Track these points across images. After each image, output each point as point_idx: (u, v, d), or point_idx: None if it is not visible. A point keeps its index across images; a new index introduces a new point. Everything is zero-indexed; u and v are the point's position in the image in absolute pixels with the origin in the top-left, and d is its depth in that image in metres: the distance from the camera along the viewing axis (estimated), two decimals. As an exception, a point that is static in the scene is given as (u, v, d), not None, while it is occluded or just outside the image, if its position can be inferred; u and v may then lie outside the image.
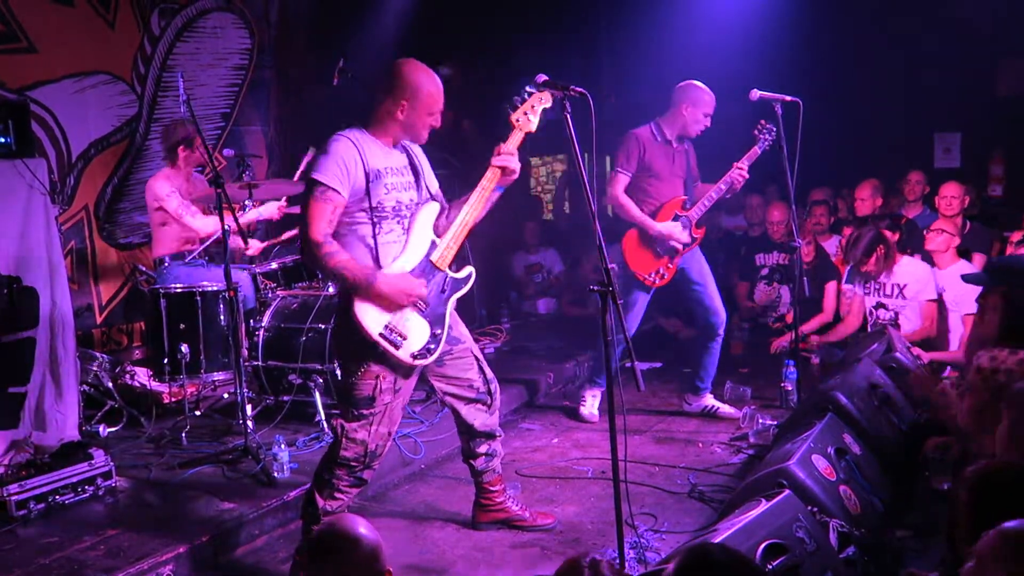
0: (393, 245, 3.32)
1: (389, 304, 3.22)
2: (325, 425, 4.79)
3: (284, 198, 5.38)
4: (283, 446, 4.26)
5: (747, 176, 4.97)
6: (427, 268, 3.35)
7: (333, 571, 2.06)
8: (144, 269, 5.60)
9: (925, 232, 5.84)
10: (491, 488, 3.85)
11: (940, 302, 5.55)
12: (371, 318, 3.20)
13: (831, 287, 6.27)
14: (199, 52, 6.71)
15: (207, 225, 5.14)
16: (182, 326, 4.87)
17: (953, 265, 5.61)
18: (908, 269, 5.58)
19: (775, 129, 4.85)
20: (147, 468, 4.34)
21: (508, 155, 3.37)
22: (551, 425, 5.40)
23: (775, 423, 4.85)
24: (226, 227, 4.44)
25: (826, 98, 6.43)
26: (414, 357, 3.29)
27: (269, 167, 7.31)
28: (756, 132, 4.98)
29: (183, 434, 4.70)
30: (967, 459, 2.82)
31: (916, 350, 5.05)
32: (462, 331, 3.64)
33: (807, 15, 7.76)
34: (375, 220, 3.28)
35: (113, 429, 4.89)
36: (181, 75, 4.75)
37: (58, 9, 5.74)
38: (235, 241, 4.81)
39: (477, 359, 3.66)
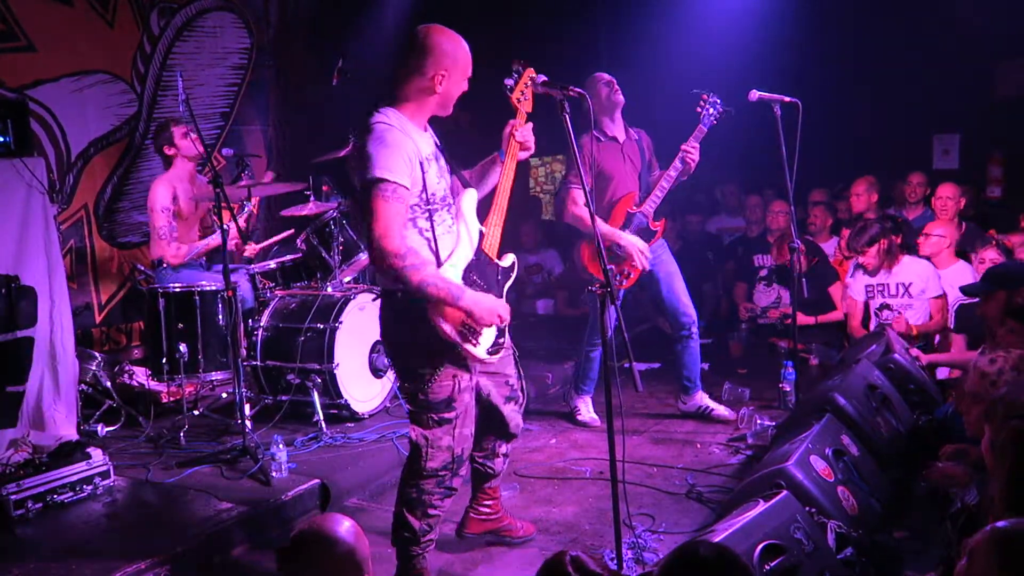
0: (447, 236, 3.14)
1: (472, 320, 3.04)
2: (324, 425, 4.79)
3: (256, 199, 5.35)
4: (281, 446, 4.26)
5: (697, 157, 4.80)
6: (482, 259, 3.22)
7: (307, 571, 2.01)
8: (143, 268, 5.60)
9: (919, 236, 5.85)
10: (494, 495, 3.67)
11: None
12: (449, 322, 3.02)
13: (837, 287, 6.26)
14: (198, 51, 6.71)
15: (178, 255, 5.14)
16: (181, 326, 4.87)
17: (952, 265, 5.62)
18: (912, 268, 5.56)
19: (718, 101, 4.73)
20: (145, 468, 4.33)
21: (526, 130, 3.30)
22: (549, 426, 5.39)
23: (773, 424, 4.84)
24: (225, 227, 4.44)
25: (825, 99, 6.42)
26: (489, 353, 3.19)
27: (268, 166, 7.30)
28: (698, 109, 4.83)
29: (181, 434, 4.70)
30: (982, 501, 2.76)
31: (915, 351, 5.05)
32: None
33: (806, 16, 7.76)
34: (430, 211, 3.07)
35: (111, 428, 4.89)
36: (180, 74, 4.75)
37: (57, 8, 5.74)
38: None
39: (514, 354, 3.51)
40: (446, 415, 3.16)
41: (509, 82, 3.32)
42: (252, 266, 5.35)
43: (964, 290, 4.49)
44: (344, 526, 2.07)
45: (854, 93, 8.17)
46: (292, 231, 5.74)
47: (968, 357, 4.83)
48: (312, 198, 5.39)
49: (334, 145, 5.73)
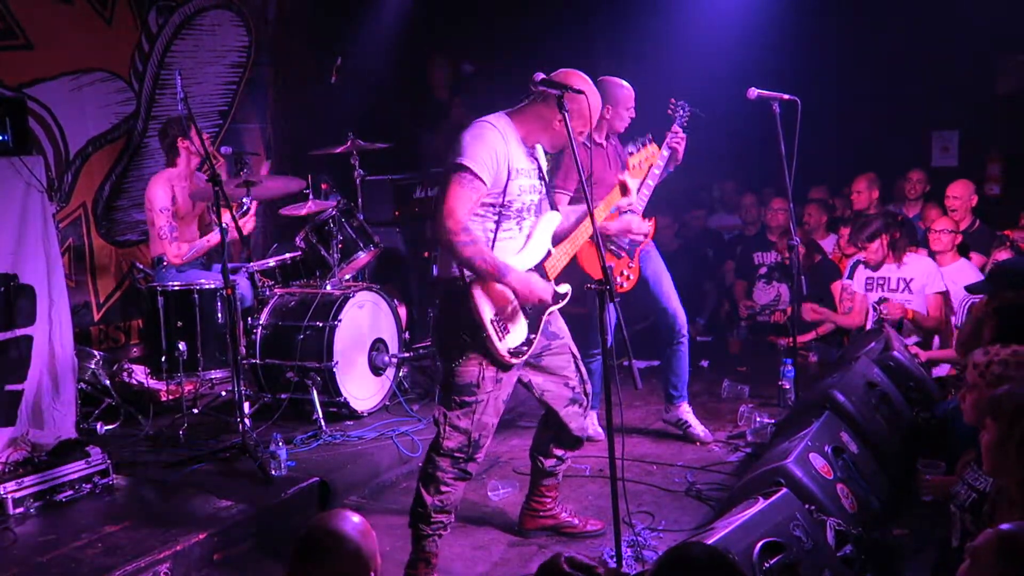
0: (509, 242, 3.29)
1: (514, 297, 3.20)
2: (323, 423, 4.79)
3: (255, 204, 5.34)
4: (280, 444, 4.25)
5: (683, 144, 4.67)
6: (540, 275, 3.33)
7: (316, 570, 2.01)
8: (142, 267, 5.59)
9: (927, 231, 5.86)
10: (548, 493, 3.76)
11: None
12: (488, 302, 3.18)
13: (837, 286, 6.27)
14: (197, 49, 6.70)
15: (180, 254, 5.14)
16: (180, 324, 4.87)
17: (953, 263, 5.64)
18: (916, 264, 5.58)
19: (685, 104, 4.71)
20: (144, 466, 4.34)
21: (632, 179, 3.59)
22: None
23: (772, 421, 4.85)
24: (224, 226, 4.44)
25: (824, 96, 6.43)
26: (510, 353, 3.25)
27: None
28: (670, 111, 4.76)
29: (180, 432, 4.70)
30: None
31: (914, 348, 5.05)
32: (561, 326, 3.57)
33: (805, 13, 7.75)
34: (499, 217, 3.24)
35: (110, 427, 4.89)
36: (179, 72, 4.74)
37: (55, 6, 5.73)
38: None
39: (575, 357, 3.59)
40: (467, 399, 3.27)
41: (633, 148, 3.62)
42: (251, 264, 5.34)
43: (970, 289, 4.49)
44: (352, 522, 2.08)
45: (853, 90, 8.16)
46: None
47: (967, 354, 4.83)
48: (311, 196, 5.39)
49: (333, 143, 5.73)
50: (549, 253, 3.40)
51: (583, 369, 3.61)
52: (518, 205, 3.28)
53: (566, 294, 3.44)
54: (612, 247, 4.73)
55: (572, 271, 4.46)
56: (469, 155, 3.11)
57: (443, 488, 3.32)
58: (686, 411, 5.03)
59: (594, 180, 4.77)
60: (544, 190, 3.44)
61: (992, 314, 3.65)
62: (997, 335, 3.48)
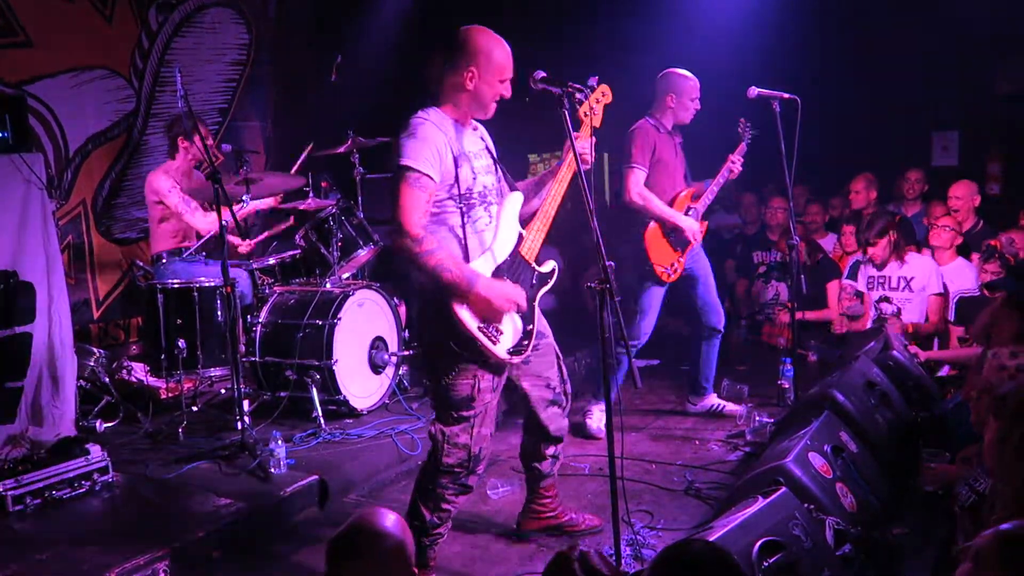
0: (483, 234, 3.20)
1: (487, 307, 3.07)
2: (322, 421, 4.79)
3: (280, 194, 5.38)
4: (280, 442, 4.25)
5: (740, 168, 5.10)
6: (517, 262, 3.25)
7: (355, 569, 2.00)
8: (141, 264, 5.60)
9: (930, 227, 5.87)
10: (546, 494, 3.69)
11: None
12: (469, 313, 3.06)
13: (833, 286, 6.27)
14: (197, 47, 6.71)
15: (207, 223, 5.16)
16: (179, 322, 4.87)
17: (952, 262, 5.65)
18: (916, 263, 5.60)
19: (749, 124, 5.11)
20: (144, 464, 4.33)
21: (586, 142, 3.34)
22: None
23: (772, 421, 4.85)
24: (223, 223, 4.44)
25: (824, 95, 6.41)
26: (510, 353, 3.17)
27: (267, 162, 7.30)
28: (740, 130, 5.14)
29: (180, 430, 4.70)
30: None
31: (913, 347, 5.05)
32: (545, 325, 3.49)
33: (805, 13, 7.74)
34: (464, 208, 3.14)
35: (110, 424, 4.89)
36: (179, 70, 4.74)
37: (56, 4, 5.74)
38: (230, 238, 4.82)
39: (558, 357, 3.52)
40: (464, 413, 3.19)
41: (580, 96, 3.38)
42: (251, 262, 5.34)
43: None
44: (391, 520, 2.06)
45: (853, 90, 8.15)
46: (287, 223, 5.72)
47: (966, 353, 4.84)
48: (311, 195, 5.39)
49: (333, 142, 5.72)
50: (521, 237, 3.28)
51: (564, 369, 3.55)
52: (478, 189, 3.19)
53: (552, 271, 3.36)
54: (672, 238, 4.96)
55: (638, 258, 4.70)
56: (408, 154, 3.03)
57: (443, 505, 3.26)
58: (714, 398, 5.36)
59: (660, 165, 4.99)
60: (498, 170, 3.34)
61: (1015, 310, 3.61)
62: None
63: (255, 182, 4.98)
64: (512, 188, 3.41)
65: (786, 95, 4.75)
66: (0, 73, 5.32)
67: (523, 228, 3.32)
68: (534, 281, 3.31)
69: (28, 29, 5.55)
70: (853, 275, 5.94)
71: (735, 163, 5.07)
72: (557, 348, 3.54)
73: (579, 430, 5.05)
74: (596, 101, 3.44)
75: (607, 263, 2.99)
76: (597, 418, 5.11)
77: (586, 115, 3.42)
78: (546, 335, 3.49)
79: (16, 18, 5.47)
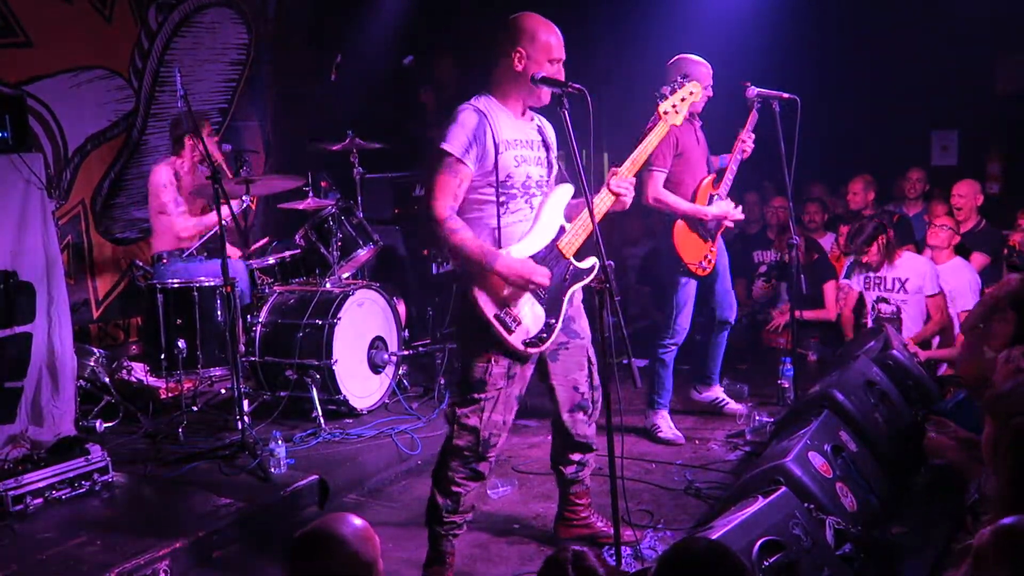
0: (519, 225, 3.18)
1: (507, 287, 3.07)
2: (322, 421, 4.79)
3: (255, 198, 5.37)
4: (280, 442, 4.25)
5: (753, 145, 4.93)
6: (552, 253, 3.18)
7: (308, 570, 1.98)
8: (141, 264, 5.60)
9: (928, 226, 5.86)
10: (577, 501, 3.63)
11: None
12: (488, 298, 3.08)
13: (830, 286, 6.27)
14: (196, 47, 6.70)
15: (188, 227, 5.17)
16: (179, 321, 4.87)
17: (949, 261, 5.64)
18: (909, 264, 5.57)
19: (752, 85, 4.91)
20: (144, 463, 4.33)
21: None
22: (547, 421, 5.37)
23: (771, 420, 4.84)
24: (223, 223, 4.44)
25: (823, 95, 6.42)
26: (525, 344, 3.14)
27: (267, 162, 7.30)
28: (748, 98, 4.94)
29: (180, 429, 4.70)
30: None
31: (913, 347, 5.05)
32: (583, 326, 3.44)
33: (805, 12, 7.75)
34: (502, 197, 3.13)
35: (110, 424, 4.88)
36: (178, 70, 4.74)
37: (55, 3, 5.73)
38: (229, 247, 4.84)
39: (590, 361, 3.45)
40: (477, 395, 3.19)
41: (667, 89, 3.45)
42: (251, 261, 5.34)
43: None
44: (353, 525, 2.03)
45: (853, 89, 8.16)
46: (265, 241, 5.77)
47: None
48: (311, 194, 5.39)
49: (332, 141, 5.72)
50: (563, 229, 3.21)
51: (596, 376, 3.49)
52: (520, 179, 3.17)
53: (592, 267, 3.25)
54: (701, 230, 4.85)
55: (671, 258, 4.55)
56: (447, 139, 3.07)
57: (454, 489, 3.25)
58: (719, 390, 5.33)
59: (683, 160, 4.87)
60: (551, 162, 3.31)
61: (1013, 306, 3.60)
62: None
63: (254, 181, 4.98)
64: (564, 179, 3.36)
65: (786, 95, 4.74)
66: (-1, 73, 5.32)
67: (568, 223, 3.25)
68: (567, 276, 3.24)
69: (27, 29, 5.54)
70: (850, 276, 5.94)
71: (746, 142, 4.90)
72: (592, 353, 3.47)
73: (652, 436, 4.98)
74: (681, 100, 3.49)
75: (607, 263, 2.99)
76: (666, 428, 4.96)
77: (666, 113, 3.48)
78: (582, 336, 3.43)
79: (15, 18, 5.47)
